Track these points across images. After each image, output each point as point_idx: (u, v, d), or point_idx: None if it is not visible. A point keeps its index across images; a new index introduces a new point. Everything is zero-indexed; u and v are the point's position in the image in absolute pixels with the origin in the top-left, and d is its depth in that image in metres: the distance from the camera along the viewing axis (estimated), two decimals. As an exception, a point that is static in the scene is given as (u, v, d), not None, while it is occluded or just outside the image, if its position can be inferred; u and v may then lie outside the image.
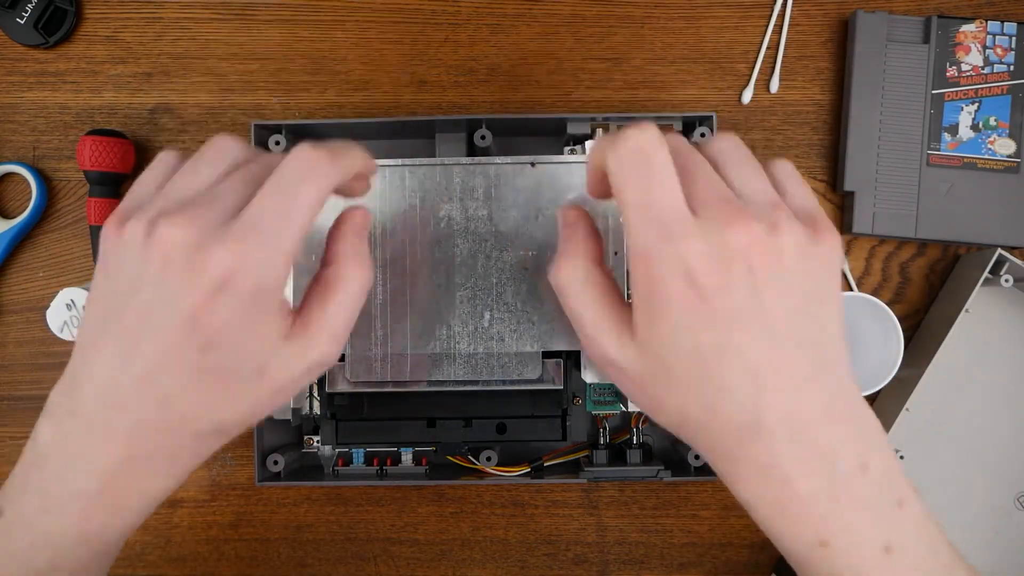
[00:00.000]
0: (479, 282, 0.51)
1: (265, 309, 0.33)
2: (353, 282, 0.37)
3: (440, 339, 0.50)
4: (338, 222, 0.39)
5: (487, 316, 0.50)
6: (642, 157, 0.32)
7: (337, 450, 0.55)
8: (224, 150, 0.36)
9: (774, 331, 0.32)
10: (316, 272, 0.38)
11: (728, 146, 0.36)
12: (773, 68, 0.63)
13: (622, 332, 0.35)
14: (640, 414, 0.56)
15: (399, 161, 0.52)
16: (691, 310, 0.32)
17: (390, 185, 0.51)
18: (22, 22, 0.62)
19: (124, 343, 0.33)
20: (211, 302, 0.31)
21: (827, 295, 0.34)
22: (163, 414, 0.33)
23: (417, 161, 0.52)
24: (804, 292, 0.33)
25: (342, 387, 0.51)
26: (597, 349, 0.36)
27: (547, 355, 0.51)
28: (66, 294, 0.52)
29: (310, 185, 0.33)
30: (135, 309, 0.32)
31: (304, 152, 0.34)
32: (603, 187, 0.36)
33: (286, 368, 0.35)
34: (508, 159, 0.52)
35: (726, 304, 0.32)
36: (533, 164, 0.51)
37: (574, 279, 0.36)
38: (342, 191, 0.39)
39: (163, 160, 0.38)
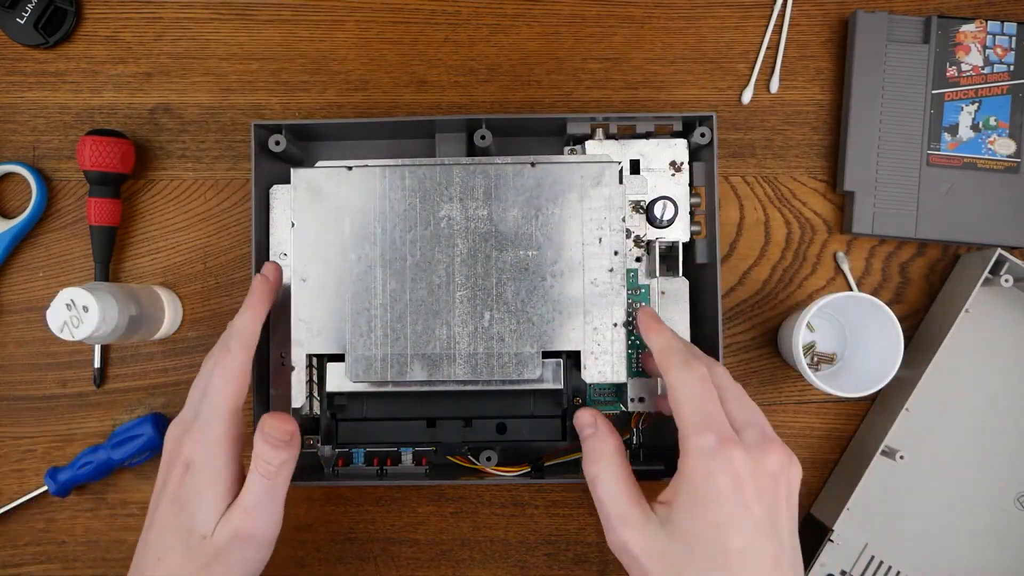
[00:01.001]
0: (479, 282, 0.50)
1: (207, 481, 0.45)
2: (264, 464, 0.45)
3: (440, 339, 0.50)
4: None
5: (487, 316, 0.50)
6: (705, 385, 0.43)
7: (337, 450, 0.55)
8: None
9: (782, 543, 0.40)
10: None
11: (727, 381, 0.45)
12: (773, 68, 0.63)
13: (647, 521, 0.42)
14: (640, 414, 0.56)
15: (399, 161, 0.52)
16: (733, 512, 0.39)
17: (390, 185, 0.51)
18: (22, 22, 0.62)
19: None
20: (181, 477, 0.45)
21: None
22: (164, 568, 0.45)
23: (417, 161, 0.52)
24: (793, 513, 0.42)
25: (342, 387, 0.51)
26: (621, 535, 0.42)
27: (547, 355, 0.51)
28: (66, 294, 0.52)
29: (225, 389, 0.46)
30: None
31: (222, 368, 0.47)
32: (654, 370, 0.52)
33: (219, 534, 0.44)
34: (508, 159, 0.52)
35: (757, 513, 0.40)
36: (533, 164, 0.51)
37: (600, 476, 0.44)
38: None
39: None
